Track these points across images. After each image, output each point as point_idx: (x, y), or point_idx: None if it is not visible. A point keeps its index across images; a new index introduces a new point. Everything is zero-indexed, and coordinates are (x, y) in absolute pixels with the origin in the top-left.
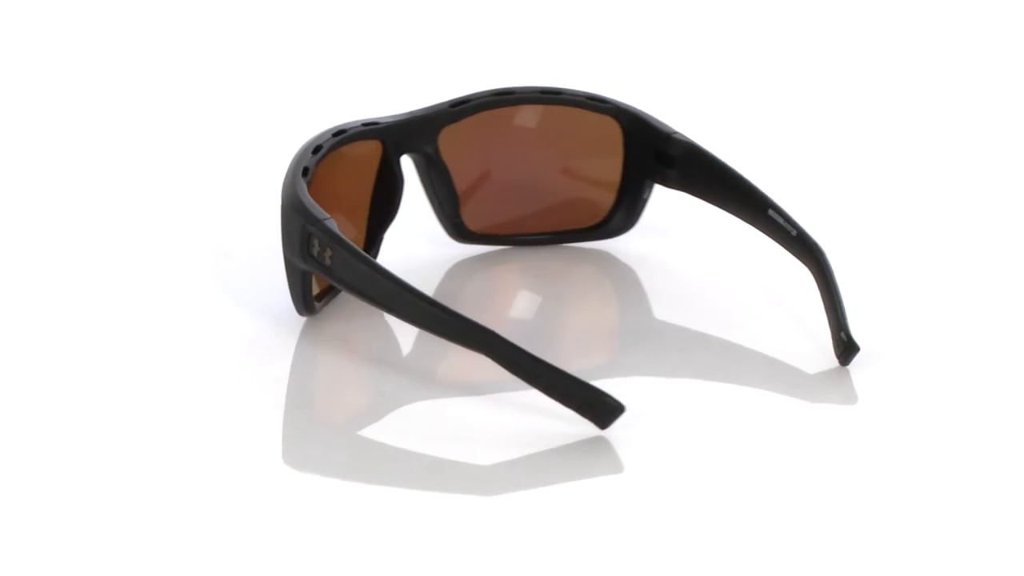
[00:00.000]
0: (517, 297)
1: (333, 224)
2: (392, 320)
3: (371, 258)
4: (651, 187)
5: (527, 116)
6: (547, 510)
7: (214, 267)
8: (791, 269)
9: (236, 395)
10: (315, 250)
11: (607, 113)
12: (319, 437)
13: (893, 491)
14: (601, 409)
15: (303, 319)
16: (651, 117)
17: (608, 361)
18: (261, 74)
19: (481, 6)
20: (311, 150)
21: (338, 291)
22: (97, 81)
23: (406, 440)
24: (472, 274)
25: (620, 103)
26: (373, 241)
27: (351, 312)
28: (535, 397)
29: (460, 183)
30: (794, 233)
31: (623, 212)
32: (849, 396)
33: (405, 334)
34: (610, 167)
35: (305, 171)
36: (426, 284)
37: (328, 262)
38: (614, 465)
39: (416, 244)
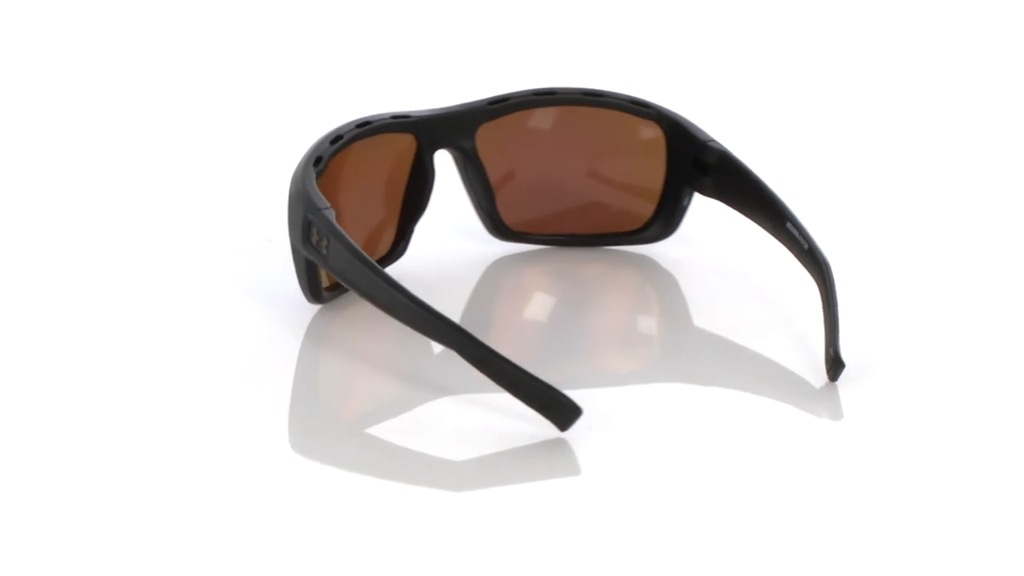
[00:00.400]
0: (548, 297)
1: (331, 214)
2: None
3: (361, 251)
4: (691, 195)
5: (568, 117)
6: (497, 508)
7: (232, 253)
8: (810, 283)
9: (228, 380)
10: (314, 239)
11: (649, 118)
12: (304, 429)
13: (858, 507)
14: (560, 411)
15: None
16: (690, 123)
17: (610, 365)
18: (296, 69)
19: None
20: (329, 140)
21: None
22: (143, 69)
23: (380, 433)
24: (510, 271)
25: (662, 108)
26: (404, 234)
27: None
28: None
29: (496, 180)
30: (806, 247)
31: (663, 219)
32: (825, 411)
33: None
34: (652, 172)
35: (318, 160)
36: (464, 280)
37: (324, 251)
38: (571, 467)
39: (456, 240)
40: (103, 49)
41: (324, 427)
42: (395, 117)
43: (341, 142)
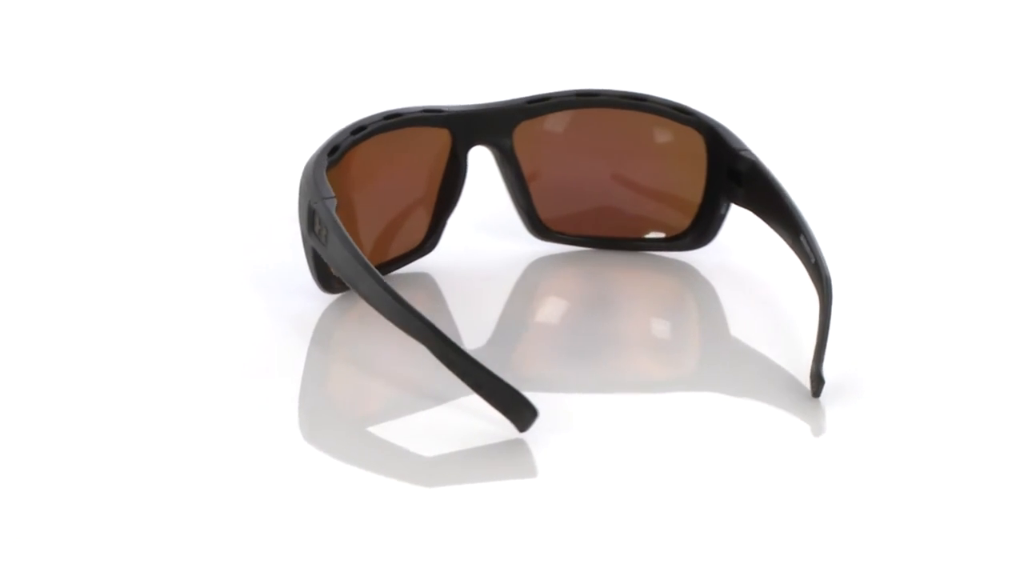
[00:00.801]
0: (579, 299)
1: (333, 204)
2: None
3: (351, 240)
4: (728, 205)
5: (608, 120)
6: (445, 503)
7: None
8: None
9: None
10: (316, 227)
11: (691, 125)
12: (302, 422)
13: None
14: (519, 412)
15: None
16: (726, 131)
17: (616, 369)
18: (316, 64)
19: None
20: (350, 131)
21: None
22: (163, 66)
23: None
24: (547, 271)
25: (702, 115)
26: (436, 228)
27: None
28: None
29: (532, 178)
30: (812, 260)
31: (701, 227)
32: (801, 425)
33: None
34: (691, 180)
35: (334, 149)
36: (502, 278)
37: (324, 240)
38: (528, 469)
39: (497, 237)
40: (120, 40)
41: (323, 423)
42: (426, 111)
43: (364, 133)
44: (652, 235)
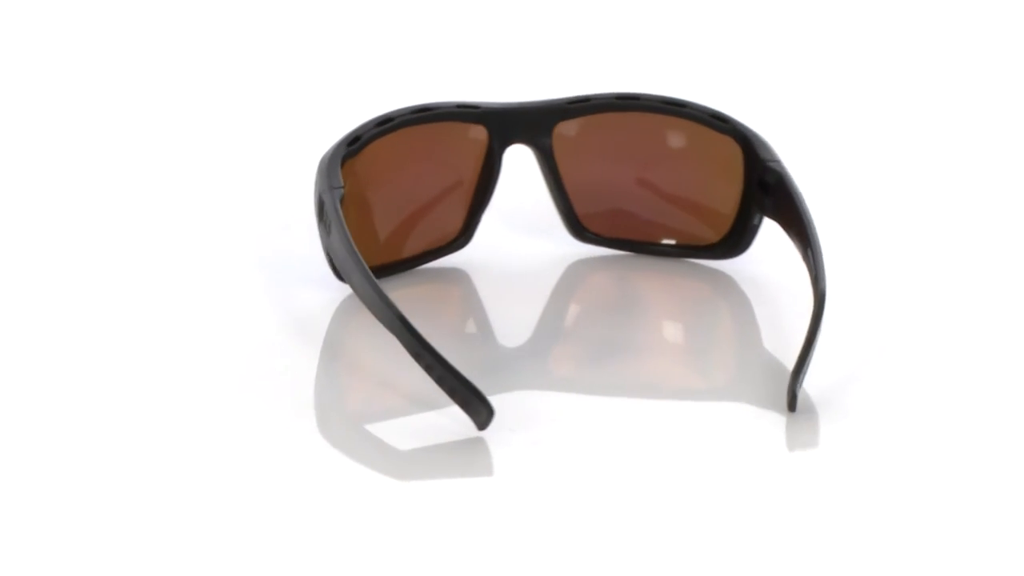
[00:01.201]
0: (610, 303)
1: (338, 194)
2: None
3: (346, 232)
4: (760, 216)
5: (647, 125)
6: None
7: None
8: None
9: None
10: (324, 216)
11: (728, 133)
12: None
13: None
14: (477, 410)
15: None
16: (759, 141)
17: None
18: (341, 59)
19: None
20: (376, 122)
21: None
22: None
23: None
24: (583, 273)
25: (738, 123)
26: (471, 224)
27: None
28: None
29: (570, 179)
30: (813, 274)
31: (735, 236)
32: (772, 438)
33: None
34: (727, 189)
35: (355, 140)
36: (537, 277)
37: (328, 230)
38: (484, 467)
39: (532, 236)
40: (139, 35)
41: (320, 415)
42: (461, 106)
43: (390, 125)
44: (687, 243)
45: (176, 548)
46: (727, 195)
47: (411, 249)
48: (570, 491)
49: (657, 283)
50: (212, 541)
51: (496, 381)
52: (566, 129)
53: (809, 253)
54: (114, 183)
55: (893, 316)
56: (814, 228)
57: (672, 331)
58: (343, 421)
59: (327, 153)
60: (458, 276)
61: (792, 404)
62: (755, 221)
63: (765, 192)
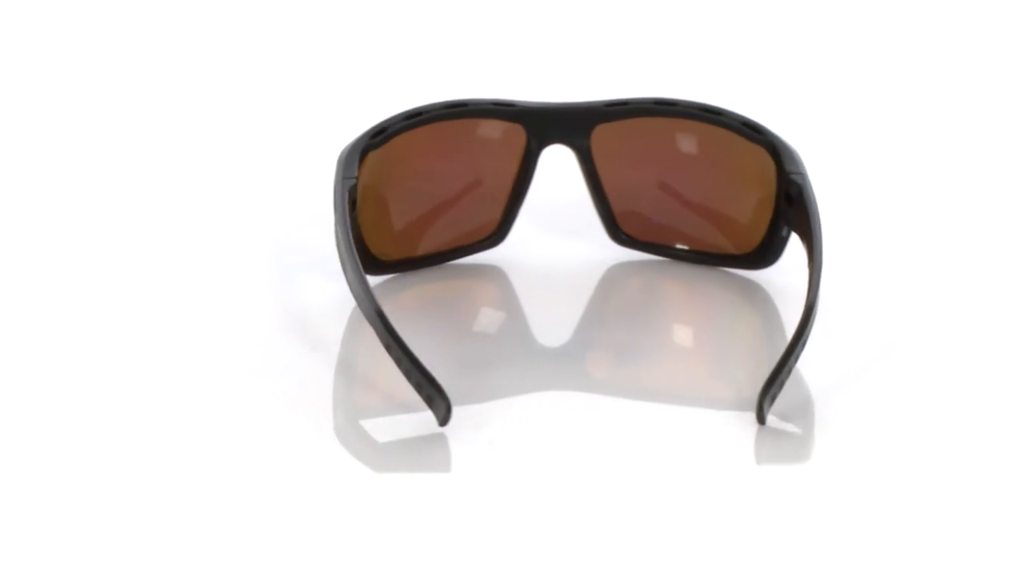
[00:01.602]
0: (640, 307)
1: (348, 185)
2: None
3: (346, 222)
4: (788, 228)
5: (683, 131)
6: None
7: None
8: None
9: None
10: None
11: (760, 144)
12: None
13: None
14: (437, 405)
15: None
16: (786, 152)
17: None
18: (362, 58)
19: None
20: (405, 116)
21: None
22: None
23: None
24: (619, 276)
25: (771, 134)
26: (507, 221)
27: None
28: None
29: (608, 182)
30: (807, 286)
31: (765, 247)
32: (738, 449)
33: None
34: (760, 198)
35: (380, 132)
36: (573, 277)
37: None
38: (442, 464)
39: (568, 238)
40: (153, 35)
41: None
42: (497, 104)
43: (419, 119)
44: (720, 251)
45: (169, 539)
46: (760, 206)
47: (441, 244)
48: (570, 491)
49: (684, 289)
50: (195, 530)
51: (493, 380)
52: (605, 132)
53: (810, 265)
54: (145, 178)
55: (903, 324)
56: (820, 243)
57: (693, 336)
58: (343, 414)
59: (349, 144)
60: (493, 273)
61: (762, 417)
62: (784, 233)
63: (789, 204)
